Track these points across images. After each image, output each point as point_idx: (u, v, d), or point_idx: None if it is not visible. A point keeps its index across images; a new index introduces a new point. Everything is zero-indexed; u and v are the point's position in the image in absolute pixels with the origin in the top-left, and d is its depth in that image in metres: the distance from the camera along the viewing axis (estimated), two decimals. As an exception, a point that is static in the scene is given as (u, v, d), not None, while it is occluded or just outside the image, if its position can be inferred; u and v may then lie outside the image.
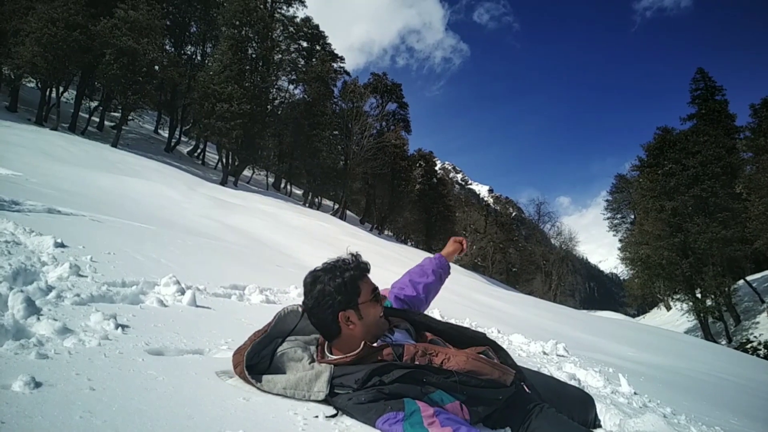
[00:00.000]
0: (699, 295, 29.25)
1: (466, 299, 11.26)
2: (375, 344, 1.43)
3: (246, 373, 1.39)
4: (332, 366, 1.40)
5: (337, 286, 1.41)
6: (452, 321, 5.85)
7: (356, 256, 1.51)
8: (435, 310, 5.86)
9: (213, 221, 10.65)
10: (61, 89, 23.93)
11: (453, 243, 2.19)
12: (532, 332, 6.64)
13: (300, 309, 1.52)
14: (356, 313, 1.43)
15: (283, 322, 1.52)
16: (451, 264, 2.10)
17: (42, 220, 3.88)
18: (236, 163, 29.70)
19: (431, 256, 2.11)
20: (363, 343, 1.40)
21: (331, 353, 1.48)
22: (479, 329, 5.93)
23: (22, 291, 1.65)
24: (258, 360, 1.45)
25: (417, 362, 1.36)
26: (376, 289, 1.50)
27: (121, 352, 1.46)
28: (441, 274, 2.03)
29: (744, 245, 27.88)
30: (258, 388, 1.38)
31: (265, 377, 1.40)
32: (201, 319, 2.21)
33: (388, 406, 1.26)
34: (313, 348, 1.54)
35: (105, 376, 1.23)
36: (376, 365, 1.34)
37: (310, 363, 1.44)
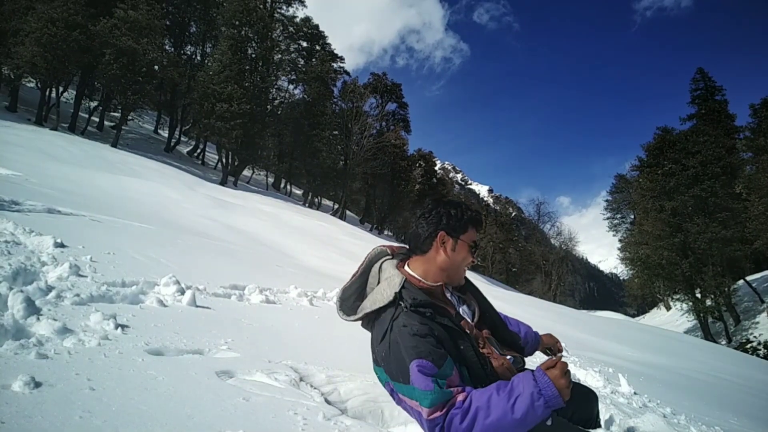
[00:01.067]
0: (699, 295, 29.23)
1: (466, 299, 11.24)
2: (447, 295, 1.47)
3: (340, 313, 1.47)
4: (404, 277, 1.42)
5: (453, 213, 1.49)
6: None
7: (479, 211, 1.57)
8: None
9: (213, 221, 10.65)
10: (61, 89, 23.91)
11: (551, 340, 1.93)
12: (531, 332, 6.62)
13: (389, 249, 1.56)
14: (453, 243, 1.47)
15: (372, 261, 1.55)
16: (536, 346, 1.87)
17: (42, 220, 3.88)
18: (236, 163, 29.68)
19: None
20: (441, 284, 1.45)
21: (410, 268, 1.50)
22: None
23: (22, 291, 1.65)
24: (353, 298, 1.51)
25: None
26: (477, 242, 1.55)
27: (121, 352, 1.46)
28: (528, 341, 1.83)
29: (744, 245, 27.87)
30: (354, 321, 1.46)
31: (359, 309, 1.45)
32: (201, 319, 2.20)
33: (431, 355, 1.25)
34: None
35: (105, 376, 1.23)
36: (437, 305, 1.37)
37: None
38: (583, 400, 1.69)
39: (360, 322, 1.49)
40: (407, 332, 1.28)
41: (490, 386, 1.23)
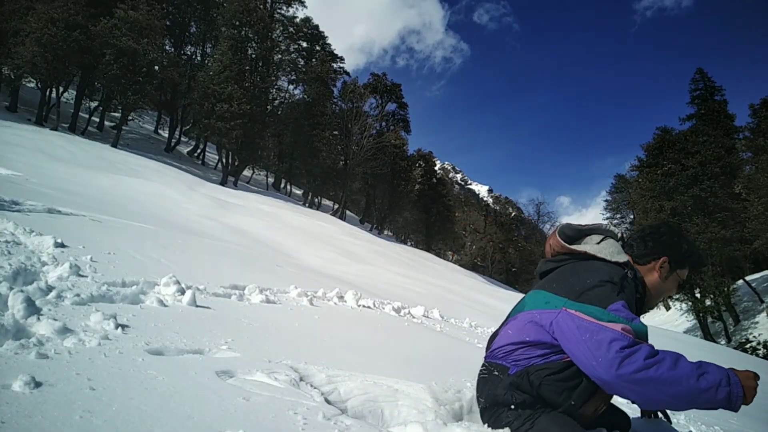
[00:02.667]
0: (698, 295, 29.24)
1: (466, 299, 11.27)
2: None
3: (559, 237, 1.66)
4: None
5: (684, 248, 1.61)
6: (452, 321, 5.85)
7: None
8: (434, 310, 5.86)
9: (213, 221, 10.65)
10: (61, 89, 23.93)
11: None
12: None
13: (619, 234, 1.67)
14: (669, 273, 1.59)
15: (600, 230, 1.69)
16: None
17: (42, 220, 3.89)
18: (236, 163, 29.70)
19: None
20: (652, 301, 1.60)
21: None
22: (478, 329, 5.93)
23: (22, 291, 1.65)
24: None
25: None
26: (685, 282, 1.65)
27: (121, 352, 1.47)
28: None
29: (743, 245, 27.89)
30: (567, 250, 1.64)
31: (582, 246, 1.64)
32: (201, 319, 2.21)
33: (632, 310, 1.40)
34: None
35: (105, 376, 1.23)
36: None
37: None
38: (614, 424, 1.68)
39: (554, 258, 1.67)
40: (624, 283, 1.44)
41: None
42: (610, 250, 1.56)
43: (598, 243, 1.60)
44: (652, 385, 1.25)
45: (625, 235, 1.70)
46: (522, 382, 1.48)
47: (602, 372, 1.28)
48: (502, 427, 1.50)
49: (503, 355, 1.57)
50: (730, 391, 1.22)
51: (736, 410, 1.26)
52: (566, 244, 1.62)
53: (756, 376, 1.28)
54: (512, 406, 1.49)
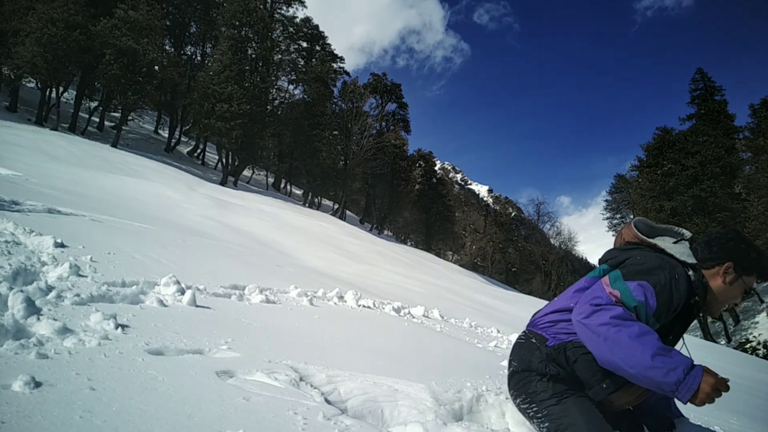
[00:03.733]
0: (698, 295, 29.23)
1: (466, 299, 11.26)
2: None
3: (640, 223, 1.72)
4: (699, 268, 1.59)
5: (751, 255, 1.59)
6: (452, 321, 5.85)
7: None
8: (434, 310, 5.86)
9: (213, 221, 10.65)
10: (61, 89, 23.91)
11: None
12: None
13: (688, 237, 1.70)
14: (734, 278, 1.58)
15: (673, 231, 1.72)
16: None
17: (42, 220, 3.89)
18: (236, 163, 29.69)
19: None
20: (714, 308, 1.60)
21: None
22: (478, 329, 5.93)
23: (22, 291, 1.65)
24: None
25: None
26: (750, 290, 1.64)
27: (121, 352, 1.47)
28: None
29: (743, 245, 27.87)
30: (637, 240, 1.68)
31: (652, 237, 1.70)
32: (201, 319, 2.21)
33: (663, 302, 1.43)
34: None
35: (105, 376, 1.23)
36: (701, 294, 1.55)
37: None
38: None
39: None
40: (671, 276, 1.46)
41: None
42: (680, 250, 1.59)
43: (675, 242, 1.64)
44: (608, 343, 1.31)
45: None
46: (558, 355, 1.52)
47: (574, 315, 1.41)
48: (529, 394, 1.54)
49: (544, 325, 1.62)
50: (679, 381, 1.24)
51: (682, 401, 1.28)
52: (640, 234, 1.66)
53: (723, 387, 1.27)
54: (545, 378, 1.52)
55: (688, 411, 3.48)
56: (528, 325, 1.70)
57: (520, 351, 1.65)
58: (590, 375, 1.45)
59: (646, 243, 1.63)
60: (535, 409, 1.52)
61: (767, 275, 1.62)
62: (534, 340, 1.62)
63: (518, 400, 1.60)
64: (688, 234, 1.69)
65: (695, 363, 1.31)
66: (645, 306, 1.39)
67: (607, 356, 1.33)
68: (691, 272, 1.54)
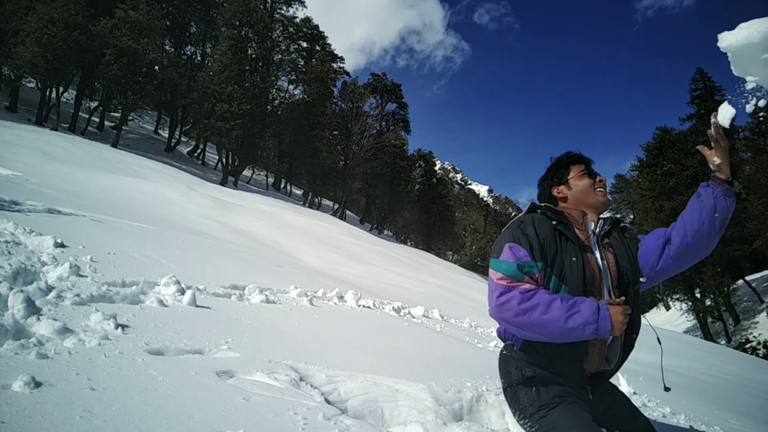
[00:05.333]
0: (698, 295, 29.24)
1: (466, 299, 11.26)
2: (590, 226, 1.66)
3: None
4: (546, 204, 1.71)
5: (559, 159, 1.80)
6: (452, 321, 5.86)
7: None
8: (434, 310, 5.86)
9: (213, 221, 10.65)
10: (61, 89, 23.92)
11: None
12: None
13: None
14: (566, 186, 1.74)
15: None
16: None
17: (42, 220, 3.89)
18: (236, 163, 29.69)
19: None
20: (581, 211, 1.68)
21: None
22: (478, 329, 5.93)
23: (22, 291, 1.65)
24: None
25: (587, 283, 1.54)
26: (587, 170, 1.76)
27: (121, 352, 1.47)
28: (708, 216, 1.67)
29: (743, 245, 27.86)
30: None
31: None
32: (201, 319, 2.21)
33: (529, 248, 1.49)
34: None
35: (105, 376, 1.23)
36: (566, 220, 1.61)
37: None
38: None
39: None
40: (520, 225, 1.55)
41: (557, 294, 1.43)
42: (528, 208, 1.70)
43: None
44: (528, 327, 1.41)
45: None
46: (528, 353, 1.57)
47: (496, 319, 1.48)
48: (519, 409, 1.57)
49: (504, 335, 1.71)
50: (597, 327, 1.36)
51: (606, 338, 1.43)
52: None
53: (627, 309, 1.40)
54: (529, 387, 1.55)
55: (688, 410, 3.48)
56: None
57: (501, 367, 1.70)
58: (566, 351, 1.50)
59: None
60: (528, 424, 1.54)
61: (580, 158, 1.77)
62: (505, 352, 1.69)
63: (515, 417, 1.63)
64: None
65: (593, 301, 1.41)
66: (519, 260, 1.46)
67: (536, 337, 1.45)
68: (537, 211, 1.64)
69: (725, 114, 1.57)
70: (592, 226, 1.67)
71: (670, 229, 1.72)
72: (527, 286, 1.42)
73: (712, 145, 1.68)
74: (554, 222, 1.57)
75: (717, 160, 1.67)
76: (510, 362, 1.64)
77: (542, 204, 1.68)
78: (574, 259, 1.52)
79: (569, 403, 1.49)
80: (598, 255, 1.60)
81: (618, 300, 1.43)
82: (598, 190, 1.72)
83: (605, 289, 1.55)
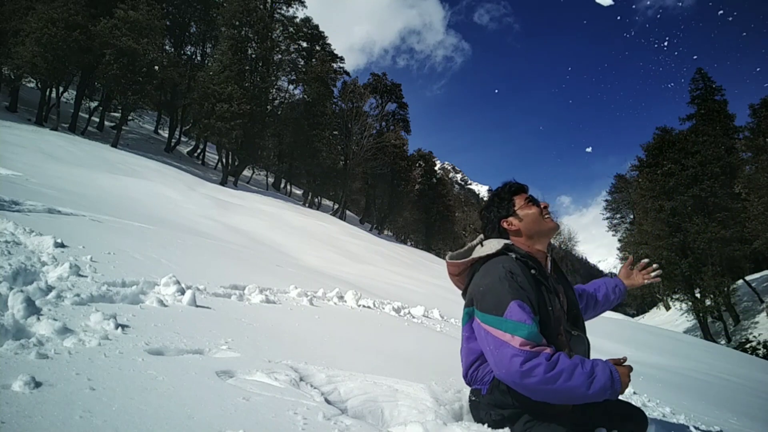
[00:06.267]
0: (698, 295, 29.23)
1: (466, 299, 11.24)
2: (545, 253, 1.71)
3: (451, 259, 1.78)
4: (511, 241, 1.68)
5: (497, 191, 1.80)
6: (452, 321, 5.86)
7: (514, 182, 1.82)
8: (434, 310, 5.86)
9: (213, 221, 10.65)
10: (61, 89, 23.92)
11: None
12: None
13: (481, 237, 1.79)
14: (515, 218, 1.72)
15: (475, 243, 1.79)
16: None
17: (42, 220, 3.89)
18: (236, 163, 29.70)
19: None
20: (540, 251, 1.69)
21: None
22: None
23: (22, 291, 1.65)
24: None
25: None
26: (531, 198, 1.77)
27: (121, 352, 1.46)
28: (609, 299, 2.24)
29: (743, 245, 27.86)
30: (461, 262, 1.73)
31: (473, 254, 1.73)
32: (201, 319, 2.21)
33: (531, 302, 1.47)
34: None
35: (105, 376, 1.23)
36: (538, 260, 1.63)
37: None
38: (634, 427, 1.69)
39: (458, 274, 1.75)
40: (513, 278, 1.49)
41: (575, 358, 1.41)
42: (491, 245, 1.63)
43: (482, 245, 1.69)
44: (550, 394, 1.38)
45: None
46: (495, 397, 1.56)
47: (509, 382, 1.41)
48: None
49: (470, 379, 1.68)
50: (613, 392, 1.40)
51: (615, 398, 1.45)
52: (457, 260, 1.72)
53: (629, 368, 1.49)
54: (500, 427, 1.54)
55: (688, 410, 3.48)
56: (467, 384, 1.76)
57: (473, 413, 1.70)
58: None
59: (472, 263, 1.68)
60: None
61: (520, 189, 1.77)
62: (474, 398, 1.68)
63: None
64: (479, 237, 1.78)
65: (605, 364, 1.43)
66: (533, 319, 1.42)
67: (554, 401, 1.42)
68: (511, 254, 1.60)
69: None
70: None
71: (581, 290, 2.09)
72: (548, 351, 1.39)
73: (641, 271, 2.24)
74: (533, 271, 1.57)
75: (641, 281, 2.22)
76: (480, 408, 1.62)
77: (509, 243, 1.64)
78: (550, 308, 1.54)
79: (546, 423, 1.51)
80: (561, 295, 1.66)
81: (622, 359, 1.48)
82: (546, 216, 1.74)
83: (562, 323, 1.60)
